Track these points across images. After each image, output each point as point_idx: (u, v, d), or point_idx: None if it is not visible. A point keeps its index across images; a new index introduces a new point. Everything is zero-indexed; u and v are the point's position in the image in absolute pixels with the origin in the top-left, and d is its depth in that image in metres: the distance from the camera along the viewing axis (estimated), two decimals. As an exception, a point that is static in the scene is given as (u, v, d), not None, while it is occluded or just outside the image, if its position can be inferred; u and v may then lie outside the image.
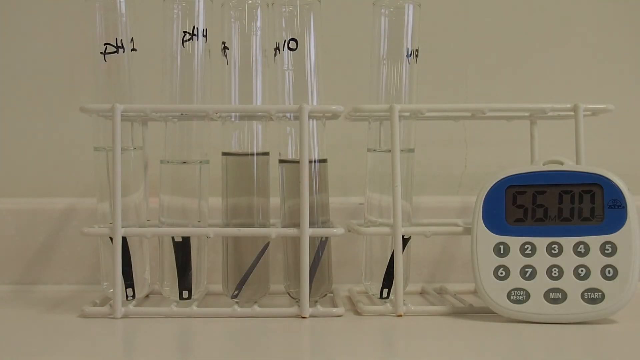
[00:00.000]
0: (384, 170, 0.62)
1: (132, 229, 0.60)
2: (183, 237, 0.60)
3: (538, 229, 0.57)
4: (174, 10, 0.60)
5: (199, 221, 0.61)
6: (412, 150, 0.63)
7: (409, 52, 0.62)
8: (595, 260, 0.56)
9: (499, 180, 0.58)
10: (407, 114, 0.61)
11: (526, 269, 0.57)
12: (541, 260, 0.56)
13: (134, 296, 0.62)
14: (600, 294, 0.55)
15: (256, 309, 0.59)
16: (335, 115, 0.60)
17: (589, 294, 0.56)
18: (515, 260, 0.57)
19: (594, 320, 0.56)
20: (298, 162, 0.58)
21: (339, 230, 0.59)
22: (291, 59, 0.61)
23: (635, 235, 0.56)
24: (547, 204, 0.57)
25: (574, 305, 0.55)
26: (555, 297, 0.56)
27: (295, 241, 0.60)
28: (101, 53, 0.61)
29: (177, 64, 0.60)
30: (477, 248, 0.58)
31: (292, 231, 0.59)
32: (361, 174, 0.66)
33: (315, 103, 0.61)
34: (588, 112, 0.62)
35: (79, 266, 0.72)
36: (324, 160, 0.62)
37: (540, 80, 0.75)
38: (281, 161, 0.62)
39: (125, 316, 0.58)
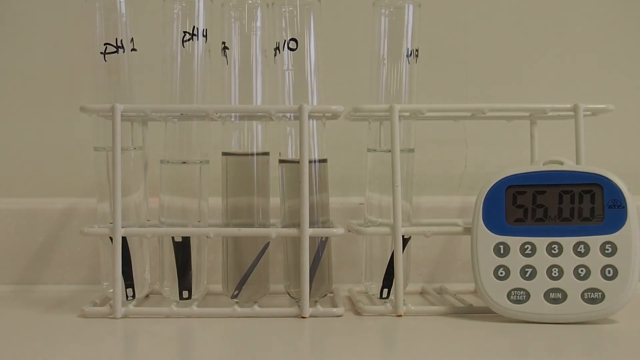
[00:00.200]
0: (384, 170, 0.62)
1: (132, 229, 0.60)
2: (183, 237, 0.60)
3: (538, 229, 0.57)
4: (174, 10, 0.60)
5: (199, 221, 0.61)
6: (412, 150, 0.63)
7: (409, 52, 0.62)
8: (595, 260, 0.56)
9: (499, 180, 0.58)
10: (407, 114, 0.61)
11: (526, 269, 0.57)
12: (541, 260, 0.56)
13: (134, 296, 0.62)
14: (600, 294, 0.55)
15: (256, 309, 0.59)
16: (335, 115, 0.60)
17: (589, 294, 0.56)
18: (515, 260, 0.57)
19: (594, 320, 0.56)
20: (298, 162, 0.58)
21: (339, 230, 0.59)
22: (291, 59, 0.61)
23: (635, 235, 0.56)
24: (547, 204, 0.57)
25: (574, 305, 0.55)
26: (555, 297, 0.56)
27: (295, 241, 0.60)
28: (101, 53, 0.61)
29: (177, 64, 0.60)
30: (477, 248, 0.58)
31: (292, 231, 0.59)
32: (361, 174, 0.66)
33: (315, 103, 0.61)
34: (588, 112, 0.62)
35: (79, 266, 0.72)
36: (324, 160, 0.62)
37: (540, 80, 0.75)
38: (281, 161, 0.62)
39: (125, 316, 0.58)
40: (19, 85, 0.75)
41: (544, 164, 0.59)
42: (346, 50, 0.73)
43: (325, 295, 0.63)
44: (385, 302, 0.61)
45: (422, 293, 0.69)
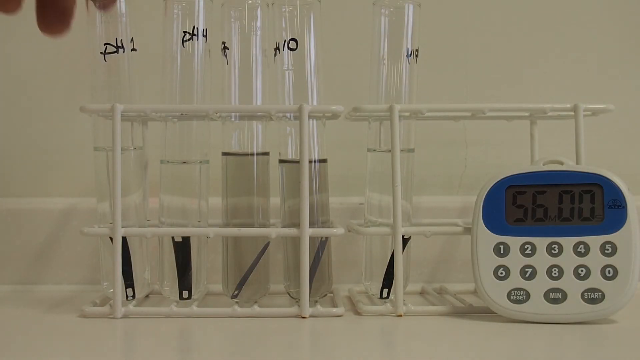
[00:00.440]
0: (384, 170, 0.62)
1: (132, 229, 0.60)
2: (183, 237, 0.60)
3: (538, 229, 0.57)
4: (174, 10, 0.60)
5: (199, 221, 0.61)
6: (412, 150, 0.63)
7: (409, 52, 0.62)
8: (595, 260, 0.56)
9: (499, 180, 0.58)
10: (407, 114, 0.61)
11: (526, 269, 0.57)
12: (541, 260, 0.56)
13: (134, 296, 0.62)
14: (600, 294, 0.55)
15: (256, 309, 0.59)
16: (335, 115, 0.60)
17: (589, 294, 0.56)
18: (515, 260, 0.57)
19: (594, 320, 0.56)
20: (298, 162, 0.58)
21: (339, 230, 0.59)
22: (291, 59, 0.61)
23: (635, 235, 0.56)
24: (547, 204, 0.57)
25: (574, 305, 0.55)
26: (555, 297, 0.56)
27: (295, 241, 0.60)
28: (101, 53, 0.61)
29: (177, 64, 0.60)
30: (477, 248, 0.58)
31: (292, 231, 0.59)
32: (361, 174, 0.66)
33: (315, 103, 0.61)
34: (588, 112, 0.62)
35: (79, 266, 0.72)
36: (324, 160, 0.62)
37: (540, 80, 0.75)
38: (281, 161, 0.62)
39: (125, 316, 0.58)
40: (19, 85, 0.75)
41: (544, 164, 0.59)
42: (346, 50, 0.73)
43: (325, 295, 0.63)
44: (385, 302, 0.61)
45: (422, 293, 0.69)
